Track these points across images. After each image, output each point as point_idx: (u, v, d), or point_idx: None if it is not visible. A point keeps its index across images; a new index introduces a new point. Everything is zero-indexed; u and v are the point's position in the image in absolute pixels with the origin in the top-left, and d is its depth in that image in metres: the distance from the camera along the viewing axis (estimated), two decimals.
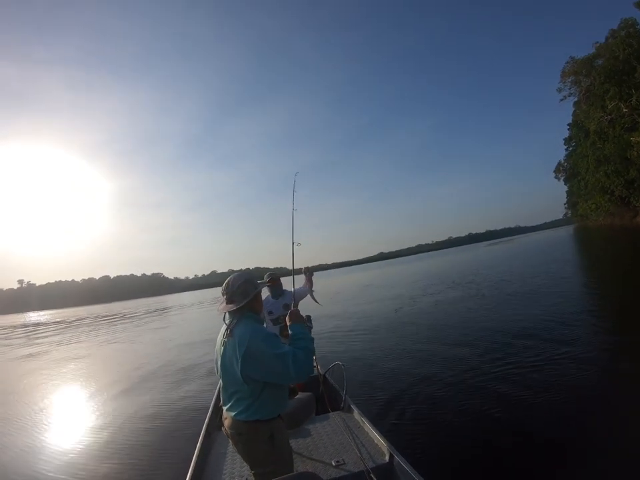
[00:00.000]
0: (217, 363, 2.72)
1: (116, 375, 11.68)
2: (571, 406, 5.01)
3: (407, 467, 2.74)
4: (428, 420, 5.19)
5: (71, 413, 8.29)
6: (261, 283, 3.03)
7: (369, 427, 3.63)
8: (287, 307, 4.77)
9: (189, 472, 3.13)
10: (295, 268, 4.23)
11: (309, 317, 2.91)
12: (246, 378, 2.43)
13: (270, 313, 4.87)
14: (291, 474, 2.28)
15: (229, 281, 2.67)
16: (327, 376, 5.09)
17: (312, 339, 2.67)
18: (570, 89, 65.99)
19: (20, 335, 36.06)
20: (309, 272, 5.18)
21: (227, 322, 2.64)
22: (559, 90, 67.40)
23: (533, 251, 41.29)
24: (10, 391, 11.39)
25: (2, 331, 45.74)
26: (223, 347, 2.60)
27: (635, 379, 5.57)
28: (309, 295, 5.11)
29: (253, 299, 2.67)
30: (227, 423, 2.64)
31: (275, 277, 5.04)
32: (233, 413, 2.54)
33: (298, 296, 4.78)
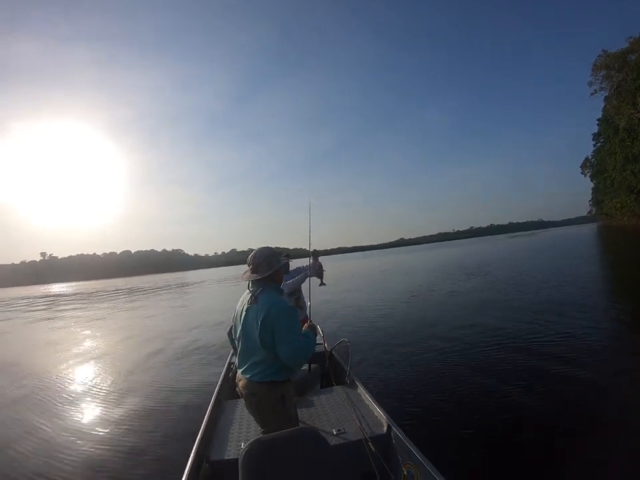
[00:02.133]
0: (235, 328, 3.02)
1: (132, 345, 12.16)
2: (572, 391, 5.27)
3: (403, 438, 2.97)
4: (426, 397, 5.61)
5: (85, 384, 8.56)
6: (285, 260, 3.37)
7: (369, 401, 3.85)
8: (293, 283, 5.33)
9: (199, 435, 3.36)
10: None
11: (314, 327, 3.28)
12: (262, 341, 2.70)
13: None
14: (293, 428, 2.60)
15: (255, 253, 2.95)
16: (333, 352, 5.35)
17: (314, 347, 3.06)
18: (601, 83, 64.36)
19: (41, 306, 37.10)
20: (316, 256, 5.51)
21: (251, 289, 2.93)
22: (590, 83, 65.84)
23: (554, 246, 40.77)
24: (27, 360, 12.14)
25: (24, 301, 47.24)
26: (245, 313, 2.86)
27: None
28: (309, 279, 5.41)
29: (276, 271, 2.96)
30: (241, 384, 2.89)
31: (285, 256, 5.49)
32: (249, 375, 2.81)
33: (298, 283, 5.41)
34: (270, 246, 3.06)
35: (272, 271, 2.90)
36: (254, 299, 2.83)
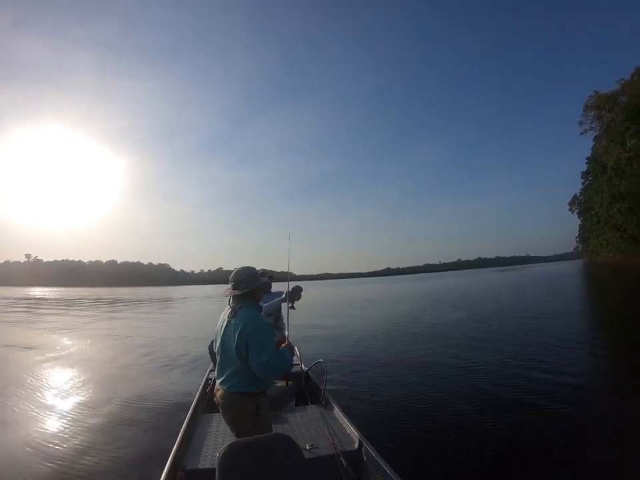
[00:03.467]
0: (216, 341, 3.21)
1: (110, 356, 12.25)
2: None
3: (373, 454, 3.13)
4: (398, 417, 5.86)
5: (58, 391, 8.46)
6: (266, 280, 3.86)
7: (342, 419, 4.01)
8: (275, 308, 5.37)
9: (175, 445, 3.46)
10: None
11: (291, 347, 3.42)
12: (238, 354, 2.90)
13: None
14: (267, 434, 2.73)
15: (237, 271, 3.19)
16: (309, 372, 5.54)
17: (290, 366, 3.45)
18: (591, 122, 66.06)
19: (22, 309, 36.98)
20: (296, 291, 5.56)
21: (231, 304, 3.16)
22: (581, 123, 67.54)
23: (539, 281, 41.30)
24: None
25: (6, 302, 46.55)
26: (225, 327, 3.08)
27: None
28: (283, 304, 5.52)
29: (256, 288, 3.20)
30: (219, 394, 3.08)
31: (269, 277, 5.64)
32: (226, 386, 3.00)
33: (272, 307, 5.37)
34: (252, 266, 3.27)
35: (251, 288, 3.14)
36: (233, 314, 3.06)
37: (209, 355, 5.34)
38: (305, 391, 4.82)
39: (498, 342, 11.21)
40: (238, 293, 3.10)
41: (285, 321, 5.14)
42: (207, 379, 5.68)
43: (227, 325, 3.07)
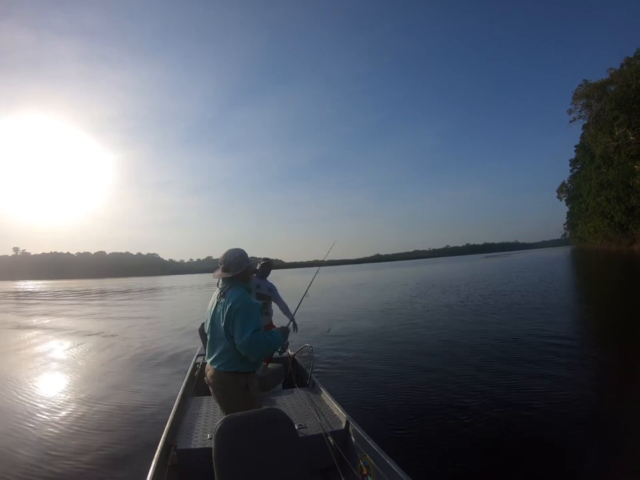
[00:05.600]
0: (206, 322, 3.24)
1: (98, 346, 12.06)
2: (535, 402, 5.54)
3: (360, 433, 3.21)
4: (384, 398, 6.05)
5: (47, 383, 8.42)
6: (255, 261, 3.81)
7: (330, 400, 4.09)
8: (270, 290, 5.70)
9: (167, 425, 3.51)
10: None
11: (285, 329, 3.45)
12: (227, 332, 2.97)
13: (257, 287, 5.49)
14: (260, 409, 2.74)
15: (226, 253, 3.22)
16: (296, 357, 5.59)
17: (278, 347, 3.39)
18: (580, 111, 66.33)
19: (11, 302, 36.62)
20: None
21: (220, 286, 3.22)
22: (570, 111, 67.76)
23: (526, 267, 41.66)
24: None
25: None
26: (214, 307, 3.15)
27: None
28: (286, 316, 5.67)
29: (245, 271, 3.23)
30: (209, 374, 3.14)
31: (267, 262, 5.84)
32: (215, 365, 3.06)
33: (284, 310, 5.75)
34: (241, 248, 3.29)
35: (241, 270, 3.18)
36: (222, 294, 3.13)
37: (197, 341, 5.40)
38: (292, 374, 4.96)
39: (481, 324, 11.54)
40: (228, 276, 3.14)
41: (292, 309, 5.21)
42: (195, 363, 5.73)
43: (216, 305, 3.14)
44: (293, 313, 4.99)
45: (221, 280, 3.23)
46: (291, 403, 4.30)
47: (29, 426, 5.66)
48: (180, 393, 4.46)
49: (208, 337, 3.22)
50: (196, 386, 4.96)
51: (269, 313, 5.58)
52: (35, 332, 14.77)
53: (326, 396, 4.23)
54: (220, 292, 3.18)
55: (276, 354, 5.40)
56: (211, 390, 3.19)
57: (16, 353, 11.38)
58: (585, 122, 66.71)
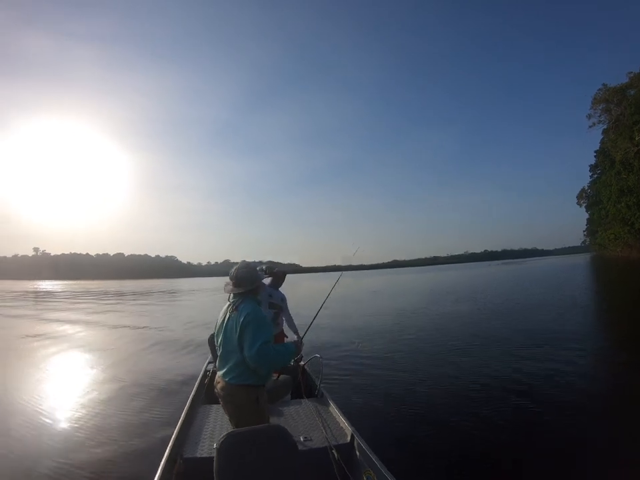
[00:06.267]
0: (218, 335, 3.30)
1: (116, 347, 12.27)
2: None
3: (365, 448, 3.23)
4: (391, 412, 5.95)
5: (66, 380, 8.78)
6: (267, 269, 4.36)
7: (337, 413, 4.10)
8: (282, 300, 5.68)
9: (174, 434, 3.58)
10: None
11: (298, 342, 3.52)
12: (240, 346, 3.02)
13: (270, 296, 5.48)
14: (263, 425, 2.81)
15: (237, 268, 3.29)
16: (305, 367, 5.57)
17: (289, 359, 3.51)
18: (600, 116, 65.41)
19: (29, 302, 37.35)
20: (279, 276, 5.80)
21: (231, 300, 3.28)
22: (589, 116, 66.88)
23: (547, 275, 41.12)
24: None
25: (16, 295, 47.11)
26: (227, 321, 3.19)
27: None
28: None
29: (257, 286, 3.33)
30: (219, 386, 3.19)
31: (281, 272, 5.85)
32: (227, 378, 3.10)
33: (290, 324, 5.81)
34: (262, 260, 3.41)
35: (254, 286, 3.28)
36: (235, 308, 3.18)
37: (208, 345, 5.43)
38: (302, 384, 4.92)
39: (496, 335, 11.25)
40: (241, 291, 3.21)
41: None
42: (206, 370, 5.74)
43: (228, 319, 3.19)
44: (309, 324, 5.08)
45: (232, 294, 3.28)
46: (298, 414, 4.31)
47: (38, 433, 5.71)
48: (189, 400, 4.52)
49: (219, 349, 3.27)
50: (205, 394, 4.97)
51: (279, 323, 5.62)
52: (49, 338, 14.82)
53: (333, 408, 4.26)
54: (232, 306, 3.23)
55: None
56: (221, 402, 3.25)
57: (25, 357, 11.55)
58: (605, 127, 65.83)
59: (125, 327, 17.04)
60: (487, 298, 20.79)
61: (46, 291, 59.15)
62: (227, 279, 3.35)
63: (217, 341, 3.32)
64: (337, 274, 6.86)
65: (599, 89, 63.38)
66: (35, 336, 14.88)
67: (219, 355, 3.30)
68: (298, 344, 3.50)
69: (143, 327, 16.54)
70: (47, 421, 6.11)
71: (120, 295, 45.87)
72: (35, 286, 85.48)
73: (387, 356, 9.62)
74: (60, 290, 62.77)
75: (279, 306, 5.59)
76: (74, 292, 53.69)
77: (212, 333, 3.53)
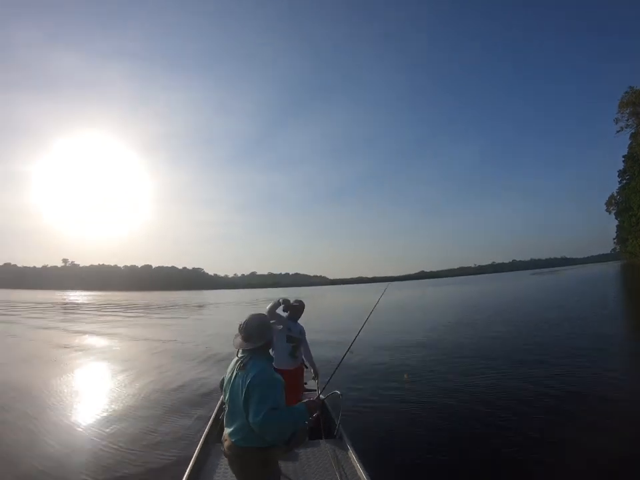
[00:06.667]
0: (225, 391, 3.05)
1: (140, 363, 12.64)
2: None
3: None
4: (413, 459, 5.32)
5: (83, 394, 8.91)
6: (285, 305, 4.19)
7: (354, 459, 3.94)
8: (300, 333, 5.48)
9: (185, 476, 3.53)
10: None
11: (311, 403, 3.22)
12: (244, 407, 2.76)
13: (289, 329, 5.37)
14: None
15: (247, 322, 3.02)
16: (325, 402, 5.22)
17: (300, 424, 2.91)
18: (627, 120, 63.96)
19: (61, 313, 38.28)
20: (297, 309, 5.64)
21: (239, 355, 3.02)
22: (616, 120, 65.48)
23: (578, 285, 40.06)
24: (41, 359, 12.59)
25: (46, 306, 47.99)
26: (234, 379, 2.92)
27: None
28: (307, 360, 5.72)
29: (268, 342, 3.07)
30: (226, 444, 2.95)
31: (300, 305, 5.66)
32: (234, 439, 2.87)
33: (307, 357, 5.67)
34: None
35: (264, 341, 3.00)
36: (242, 366, 2.90)
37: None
38: (321, 422, 4.56)
39: (532, 361, 10.14)
40: (249, 347, 2.94)
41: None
42: (220, 408, 5.52)
43: (235, 377, 2.92)
44: (341, 358, 4.51)
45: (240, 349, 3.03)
46: (315, 458, 4.13)
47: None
48: (202, 439, 4.44)
49: (227, 406, 3.01)
50: (219, 432, 4.67)
51: (298, 357, 5.41)
52: (76, 350, 15.03)
53: (351, 453, 4.06)
54: (240, 362, 2.93)
55: (305, 395, 5.27)
56: (227, 461, 3.03)
57: (48, 368, 11.85)
58: (633, 131, 64.31)
59: (149, 339, 17.31)
60: (525, 317, 19.54)
61: (74, 302, 60.29)
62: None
63: (225, 396, 3.05)
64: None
65: (626, 92, 62.16)
66: (61, 347, 15.35)
67: (225, 411, 3.04)
68: (310, 405, 3.05)
69: (167, 340, 16.73)
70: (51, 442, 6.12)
71: (147, 307, 46.52)
72: (64, 297, 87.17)
73: (415, 389, 8.49)
74: (87, 301, 64.06)
75: (298, 339, 5.42)
76: (101, 304, 54.81)
77: (223, 376, 3.24)
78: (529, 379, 8.54)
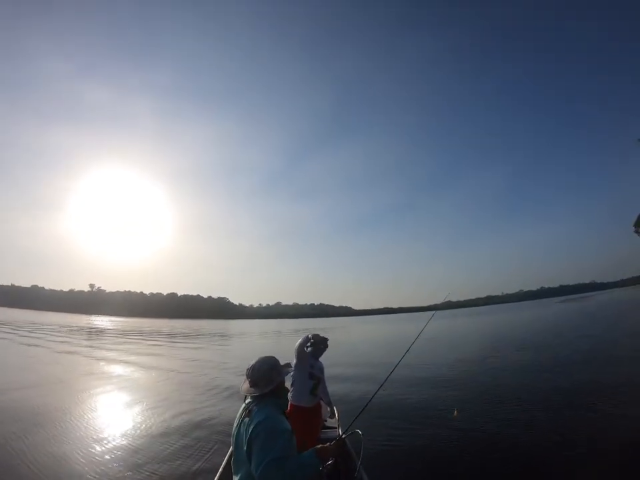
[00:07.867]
0: (232, 438, 2.84)
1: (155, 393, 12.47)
2: None
3: None
4: None
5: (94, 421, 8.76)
6: (312, 341, 4.05)
7: None
8: (321, 371, 5.28)
9: None
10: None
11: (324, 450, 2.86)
12: (248, 457, 2.57)
13: (311, 367, 5.15)
14: None
15: (254, 365, 2.85)
16: (346, 440, 4.66)
17: (308, 473, 2.62)
18: None
19: (85, 338, 37.85)
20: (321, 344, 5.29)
21: (246, 402, 2.84)
22: None
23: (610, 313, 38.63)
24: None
25: (71, 330, 48.43)
26: (239, 426, 2.75)
27: None
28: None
29: (278, 385, 2.84)
30: None
31: (323, 341, 5.30)
32: None
33: (324, 395, 5.42)
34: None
35: (272, 386, 2.79)
36: (248, 412, 2.73)
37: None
38: (340, 462, 4.19)
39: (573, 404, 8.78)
40: (256, 394, 2.76)
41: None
42: (231, 454, 5.18)
43: (239, 425, 2.75)
44: (369, 398, 4.23)
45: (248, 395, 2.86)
46: None
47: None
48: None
49: (234, 453, 2.83)
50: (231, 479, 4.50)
51: (317, 395, 5.17)
52: (98, 378, 14.78)
53: None
54: (246, 408, 2.77)
55: (324, 432, 5.02)
56: None
57: (66, 394, 11.71)
58: None
59: (170, 370, 17.02)
60: (558, 351, 18.60)
61: (99, 328, 60.59)
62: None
63: (232, 440, 2.83)
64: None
65: None
66: (83, 375, 15.25)
67: (233, 457, 2.84)
68: (322, 453, 2.79)
69: (187, 372, 16.38)
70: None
71: (171, 335, 46.57)
72: (89, 321, 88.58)
73: (439, 427, 7.76)
74: (112, 327, 64.45)
75: (319, 377, 5.23)
76: (126, 330, 54.92)
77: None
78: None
